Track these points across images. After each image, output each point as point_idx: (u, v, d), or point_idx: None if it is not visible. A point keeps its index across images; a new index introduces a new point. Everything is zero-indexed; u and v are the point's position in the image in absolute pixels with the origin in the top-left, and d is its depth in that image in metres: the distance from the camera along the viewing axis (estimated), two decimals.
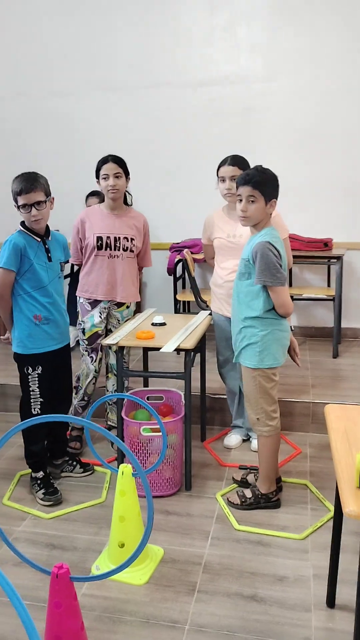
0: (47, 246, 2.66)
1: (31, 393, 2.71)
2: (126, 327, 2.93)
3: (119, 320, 3.14)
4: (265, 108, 4.41)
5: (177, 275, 4.53)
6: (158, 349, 2.67)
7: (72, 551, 2.36)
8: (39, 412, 2.72)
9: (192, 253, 4.15)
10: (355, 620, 1.65)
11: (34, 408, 2.72)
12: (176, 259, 4.39)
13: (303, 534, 2.42)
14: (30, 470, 2.82)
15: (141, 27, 4.48)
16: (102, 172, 2.95)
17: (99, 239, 3.00)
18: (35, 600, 2.06)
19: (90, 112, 4.70)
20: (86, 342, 3.11)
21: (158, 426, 2.52)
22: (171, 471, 2.73)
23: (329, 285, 4.58)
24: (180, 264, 4.46)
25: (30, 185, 2.50)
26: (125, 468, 2.24)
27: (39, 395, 2.71)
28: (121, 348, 2.80)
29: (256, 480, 2.68)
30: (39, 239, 2.64)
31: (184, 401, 2.80)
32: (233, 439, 3.23)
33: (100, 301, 3.08)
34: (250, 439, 3.22)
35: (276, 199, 2.43)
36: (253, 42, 4.36)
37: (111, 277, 3.04)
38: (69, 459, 2.97)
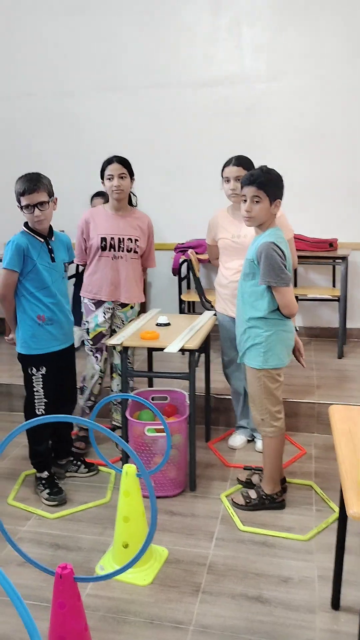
0: (50, 247, 2.66)
1: (35, 394, 2.71)
2: (131, 328, 2.93)
3: (123, 321, 3.14)
4: (269, 108, 4.40)
5: (182, 276, 4.53)
6: (162, 349, 2.67)
7: (76, 551, 2.36)
8: (43, 412, 2.72)
9: (196, 253, 4.14)
10: None
11: (38, 409, 2.72)
12: (181, 260, 4.39)
13: (308, 535, 2.41)
14: (35, 470, 2.83)
15: (145, 27, 4.49)
16: (106, 172, 2.95)
17: (103, 239, 3.00)
18: (40, 601, 2.06)
19: (94, 112, 4.70)
20: (91, 342, 3.12)
21: (162, 426, 2.52)
22: (175, 472, 2.73)
23: (334, 285, 4.57)
24: (184, 265, 4.46)
25: (33, 185, 2.50)
26: (129, 468, 2.23)
27: (43, 396, 2.71)
28: (126, 348, 2.80)
29: (261, 481, 2.67)
30: (42, 240, 2.64)
31: (188, 401, 2.80)
32: (238, 439, 3.23)
33: (104, 301, 3.08)
34: (255, 439, 3.21)
35: (281, 199, 2.42)
36: (256, 42, 4.36)
37: (115, 278, 3.05)
38: (73, 459, 2.98)
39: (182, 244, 4.54)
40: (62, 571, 1.74)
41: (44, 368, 2.70)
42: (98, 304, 3.08)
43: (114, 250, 3.01)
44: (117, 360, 3.18)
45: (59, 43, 4.65)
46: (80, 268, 3.78)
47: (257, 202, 2.36)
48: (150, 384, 3.47)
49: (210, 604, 2.05)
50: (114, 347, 2.98)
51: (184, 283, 4.63)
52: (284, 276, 2.35)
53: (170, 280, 4.60)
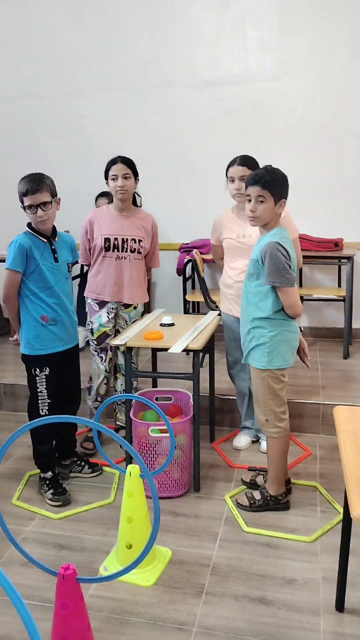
0: (53, 247, 2.66)
1: (39, 394, 2.71)
2: (134, 328, 2.93)
3: (126, 321, 3.13)
4: (274, 108, 4.40)
5: (187, 276, 4.52)
6: (166, 349, 2.66)
7: (80, 552, 2.36)
8: (47, 413, 2.72)
9: (201, 253, 4.14)
10: None
11: (42, 409, 2.72)
12: (185, 260, 4.39)
13: (312, 536, 2.40)
14: (39, 470, 2.83)
15: (150, 27, 4.49)
16: (111, 172, 2.95)
17: (107, 240, 3.00)
18: (43, 601, 2.06)
19: (99, 112, 4.70)
20: (95, 342, 3.12)
21: (166, 427, 2.51)
22: (179, 472, 2.72)
23: (339, 285, 4.55)
24: (189, 265, 4.46)
25: (36, 186, 2.50)
26: (133, 469, 2.23)
27: (46, 396, 2.71)
28: (129, 348, 2.80)
29: (265, 482, 2.66)
30: (45, 240, 2.64)
31: (192, 402, 2.79)
32: (242, 440, 3.22)
33: (107, 302, 3.08)
34: (260, 440, 3.20)
35: (285, 199, 2.41)
36: (261, 41, 4.35)
37: (118, 278, 3.04)
38: (77, 459, 2.97)
39: (187, 244, 4.53)
40: (64, 572, 1.74)
41: (48, 369, 2.70)
42: (102, 304, 3.08)
43: (118, 251, 3.01)
44: (121, 360, 3.18)
45: (64, 44, 4.66)
46: (85, 268, 3.78)
47: (261, 201, 2.35)
48: (155, 385, 3.47)
49: (213, 605, 2.04)
50: (117, 347, 2.97)
51: (189, 283, 4.62)
52: (288, 276, 2.34)
53: (174, 281, 4.60)
